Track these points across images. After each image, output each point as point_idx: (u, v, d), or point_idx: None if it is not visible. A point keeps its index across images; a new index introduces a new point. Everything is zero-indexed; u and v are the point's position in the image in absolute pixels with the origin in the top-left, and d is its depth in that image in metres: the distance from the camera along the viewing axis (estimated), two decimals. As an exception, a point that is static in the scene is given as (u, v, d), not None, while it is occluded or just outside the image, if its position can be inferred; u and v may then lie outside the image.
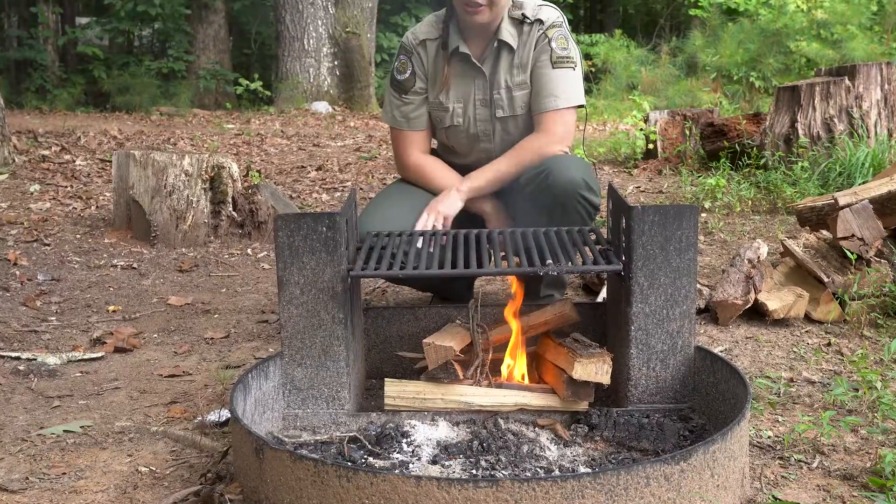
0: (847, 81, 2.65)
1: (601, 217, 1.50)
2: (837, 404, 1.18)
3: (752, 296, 1.50)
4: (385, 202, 1.45)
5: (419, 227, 1.36)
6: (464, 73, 1.42)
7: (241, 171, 2.54)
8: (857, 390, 1.20)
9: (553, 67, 1.38)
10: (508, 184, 1.41)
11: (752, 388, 1.16)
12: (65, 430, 1.17)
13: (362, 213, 1.39)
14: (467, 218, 1.44)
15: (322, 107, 6.10)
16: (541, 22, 1.40)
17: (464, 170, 1.45)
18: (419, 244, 1.18)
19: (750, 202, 2.45)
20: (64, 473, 1.04)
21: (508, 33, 1.39)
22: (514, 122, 1.43)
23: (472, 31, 1.40)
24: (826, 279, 1.53)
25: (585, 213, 1.35)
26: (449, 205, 1.39)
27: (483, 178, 1.41)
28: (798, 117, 2.65)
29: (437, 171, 1.45)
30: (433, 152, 1.54)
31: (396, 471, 0.94)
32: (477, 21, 1.37)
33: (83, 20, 7.71)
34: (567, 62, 1.39)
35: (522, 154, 1.39)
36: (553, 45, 1.38)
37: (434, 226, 1.36)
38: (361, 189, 3.02)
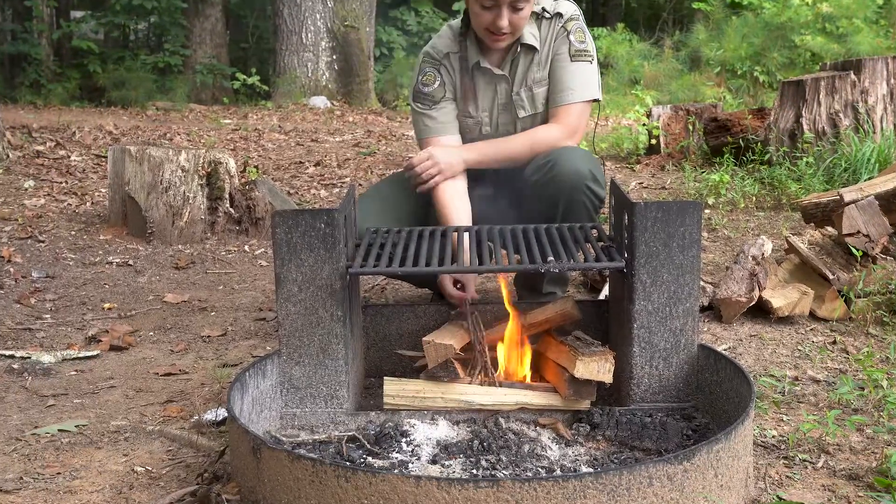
0: (852, 76, 2.63)
1: (603, 213, 1.49)
2: (843, 403, 1.17)
3: (756, 293, 1.49)
4: (380, 197, 1.44)
5: (415, 162, 1.35)
6: (487, 82, 1.42)
7: (239, 167, 2.53)
8: (862, 389, 1.19)
9: (571, 61, 1.38)
10: (509, 165, 1.39)
11: (757, 386, 1.15)
12: (59, 430, 1.16)
13: (357, 207, 1.37)
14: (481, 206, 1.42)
15: (320, 101, 6.07)
16: (560, 15, 1.39)
17: (486, 173, 1.42)
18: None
19: (754, 198, 2.44)
20: (59, 473, 1.03)
21: (531, 35, 1.39)
22: (533, 121, 1.43)
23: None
24: (831, 276, 1.52)
25: (591, 205, 1.34)
26: (450, 159, 1.36)
27: (485, 151, 1.39)
28: (803, 112, 2.64)
29: (451, 207, 1.36)
30: None
31: (396, 471, 0.93)
32: (500, 47, 1.37)
33: (78, 14, 7.64)
34: (584, 55, 1.39)
35: (530, 139, 1.38)
36: (571, 38, 1.38)
37: (423, 169, 1.34)
38: (360, 185, 3.00)
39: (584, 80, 1.38)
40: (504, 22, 1.30)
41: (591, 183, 1.32)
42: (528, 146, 1.38)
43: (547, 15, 1.39)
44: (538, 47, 1.39)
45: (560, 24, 1.38)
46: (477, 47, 1.41)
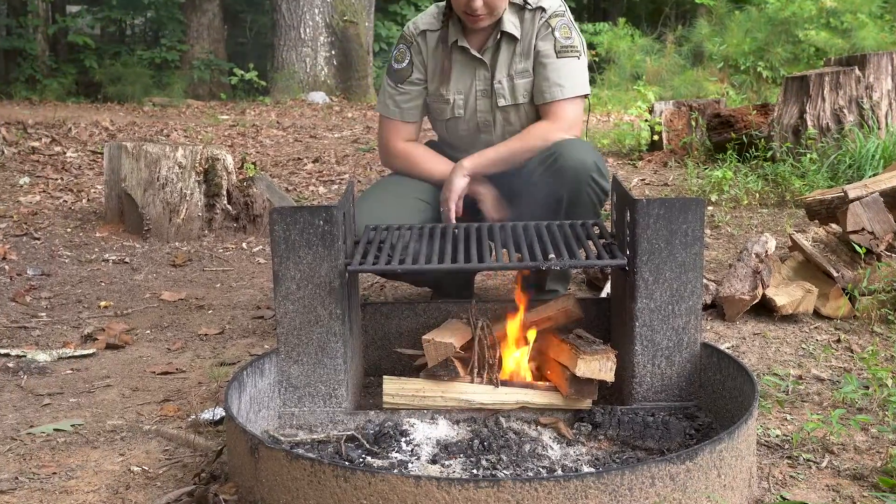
0: (857, 71, 2.61)
1: (605, 210, 1.47)
2: (847, 402, 1.16)
3: (759, 291, 1.48)
4: (380, 194, 1.43)
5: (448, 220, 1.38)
6: (465, 64, 1.41)
7: (236, 164, 2.52)
8: (867, 388, 1.18)
9: (557, 57, 1.37)
10: (511, 167, 1.39)
11: (760, 385, 1.14)
12: (55, 429, 1.15)
13: (356, 205, 1.36)
14: (466, 209, 1.41)
15: (319, 97, 6.04)
16: (543, 10, 1.38)
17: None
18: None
19: (757, 195, 2.43)
20: (54, 473, 1.02)
21: (511, 23, 1.38)
22: (515, 112, 1.42)
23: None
24: (835, 274, 1.51)
25: (596, 197, 1.33)
26: (453, 188, 1.38)
27: (487, 156, 1.39)
28: (807, 108, 2.61)
29: (426, 157, 1.45)
30: (432, 146, 1.52)
31: (395, 470, 0.93)
32: (478, 27, 1.37)
33: (74, 8, 7.60)
34: (571, 51, 1.38)
35: (529, 138, 1.38)
36: (557, 34, 1.37)
37: (450, 216, 1.37)
38: (359, 181, 2.98)
39: (572, 77, 1.37)
40: (477, 3, 1.30)
41: (595, 175, 1.31)
42: (523, 144, 1.37)
43: (529, 6, 1.38)
44: (518, 36, 1.38)
45: (543, 20, 1.38)
46: (459, 27, 1.40)
